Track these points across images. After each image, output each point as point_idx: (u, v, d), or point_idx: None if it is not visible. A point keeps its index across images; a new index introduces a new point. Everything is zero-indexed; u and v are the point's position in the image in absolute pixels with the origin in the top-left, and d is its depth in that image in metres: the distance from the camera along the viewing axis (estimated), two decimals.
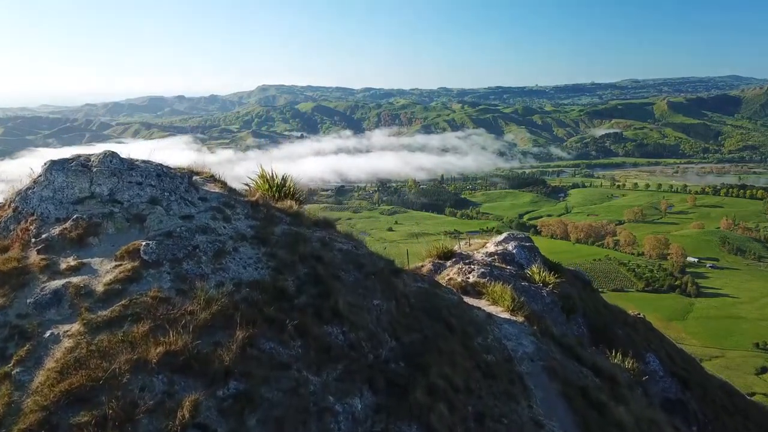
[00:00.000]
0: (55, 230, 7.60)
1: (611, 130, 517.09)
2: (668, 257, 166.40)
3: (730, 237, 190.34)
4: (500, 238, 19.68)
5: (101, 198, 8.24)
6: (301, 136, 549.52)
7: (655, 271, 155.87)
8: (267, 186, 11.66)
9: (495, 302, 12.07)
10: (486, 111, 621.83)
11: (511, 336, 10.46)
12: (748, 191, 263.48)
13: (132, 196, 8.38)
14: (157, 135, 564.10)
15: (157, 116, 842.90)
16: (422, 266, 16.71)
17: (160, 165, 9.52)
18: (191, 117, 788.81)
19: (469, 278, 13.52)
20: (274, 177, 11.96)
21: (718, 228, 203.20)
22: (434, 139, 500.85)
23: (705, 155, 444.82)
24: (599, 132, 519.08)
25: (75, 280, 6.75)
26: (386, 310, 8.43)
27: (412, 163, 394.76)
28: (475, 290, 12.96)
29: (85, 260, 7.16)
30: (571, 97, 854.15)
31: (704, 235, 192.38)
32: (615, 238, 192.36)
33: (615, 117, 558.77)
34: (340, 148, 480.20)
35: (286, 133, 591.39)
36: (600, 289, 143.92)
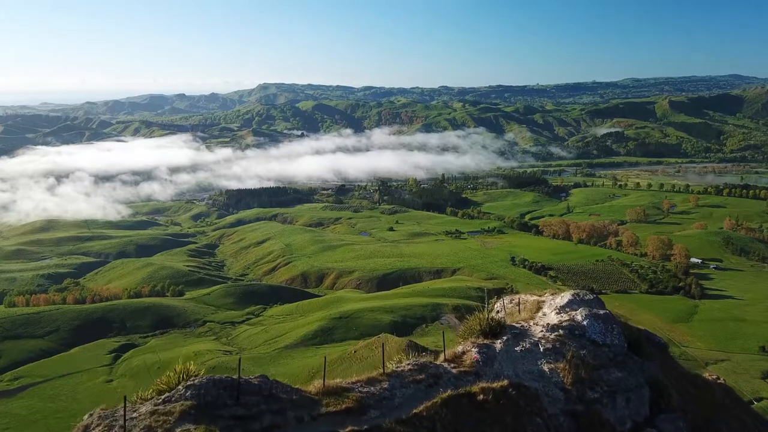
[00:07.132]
0: None
1: (612, 130, 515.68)
2: (672, 258, 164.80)
3: (734, 238, 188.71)
4: (562, 301, 15.48)
5: None
6: (302, 135, 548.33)
7: (659, 273, 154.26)
8: None
9: None
10: (487, 110, 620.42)
11: None
12: (750, 191, 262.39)
13: None
14: (157, 133, 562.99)
15: (158, 114, 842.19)
16: (462, 353, 12.13)
17: None
18: (192, 115, 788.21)
19: None
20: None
21: (722, 228, 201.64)
22: (434, 138, 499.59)
23: (707, 155, 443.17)
24: (600, 131, 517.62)
25: None
26: None
27: (411, 162, 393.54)
28: None
29: None
30: (573, 96, 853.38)
31: (707, 236, 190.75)
32: (617, 238, 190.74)
33: (616, 116, 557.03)
34: (339, 146, 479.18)
35: (287, 131, 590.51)
36: (603, 291, 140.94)
